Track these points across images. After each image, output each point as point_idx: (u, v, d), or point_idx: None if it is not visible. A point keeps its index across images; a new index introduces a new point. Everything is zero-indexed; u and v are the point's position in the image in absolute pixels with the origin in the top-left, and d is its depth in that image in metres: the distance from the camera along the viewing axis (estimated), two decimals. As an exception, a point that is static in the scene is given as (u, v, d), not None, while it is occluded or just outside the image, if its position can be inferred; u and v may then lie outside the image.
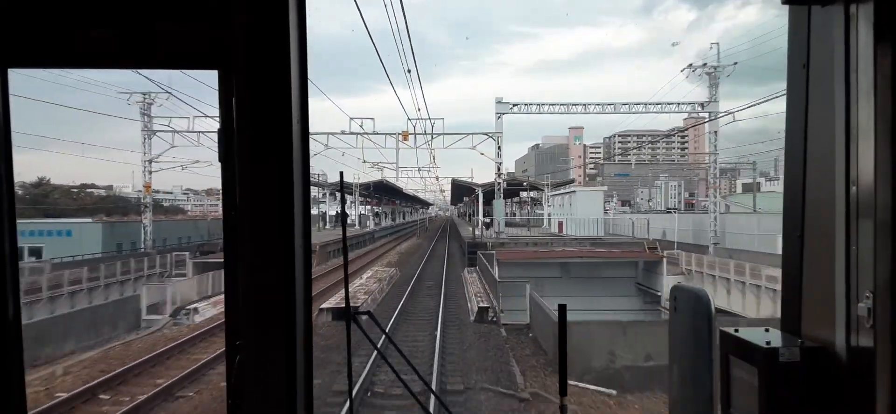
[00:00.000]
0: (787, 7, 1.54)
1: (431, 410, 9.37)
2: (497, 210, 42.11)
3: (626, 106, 37.62)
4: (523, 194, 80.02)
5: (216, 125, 1.29)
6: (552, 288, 24.16)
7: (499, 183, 40.74)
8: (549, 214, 57.28)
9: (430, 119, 37.19)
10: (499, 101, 37.94)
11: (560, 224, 43.05)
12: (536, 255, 29.61)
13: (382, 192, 70.06)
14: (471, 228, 46.39)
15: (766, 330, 1.53)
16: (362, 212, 74.75)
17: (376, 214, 78.23)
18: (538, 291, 20.12)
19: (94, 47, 1.26)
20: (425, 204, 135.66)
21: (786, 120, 1.59)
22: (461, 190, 73.79)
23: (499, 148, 39.05)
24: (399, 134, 38.57)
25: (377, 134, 38.65)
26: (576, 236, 38.18)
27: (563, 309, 1.94)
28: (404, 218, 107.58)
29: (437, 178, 76.73)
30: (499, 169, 40.26)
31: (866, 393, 1.32)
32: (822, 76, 1.45)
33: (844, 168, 1.37)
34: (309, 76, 1.34)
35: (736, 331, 1.53)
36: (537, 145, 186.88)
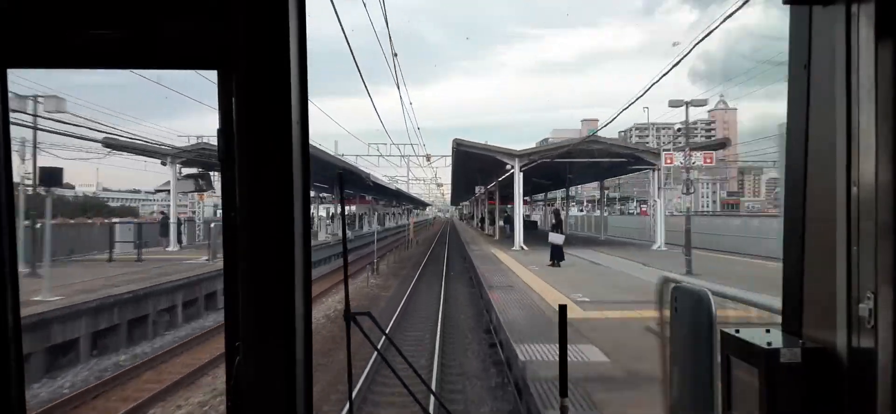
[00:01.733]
0: (788, 7, 1.54)
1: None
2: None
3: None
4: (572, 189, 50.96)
5: None
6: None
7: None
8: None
9: None
10: None
11: None
12: None
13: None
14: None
15: (768, 331, 1.53)
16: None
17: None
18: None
19: (94, 47, 1.26)
20: (418, 203, 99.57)
21: (787, 120, 1.59)
22: (471, 166, 37.49)
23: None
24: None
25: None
26: None
27: (563, 309, 1.97)
28: (384, 223, 67.26)
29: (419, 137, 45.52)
30: None
31: (868, 394, 1.32)
32: (823, 76, 1.45)
33: (845, 168, 1.37)
34: (308, 77, 1.34)
35: (737, 332, 1.52)
36: (546, 140, 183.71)
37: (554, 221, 23.93)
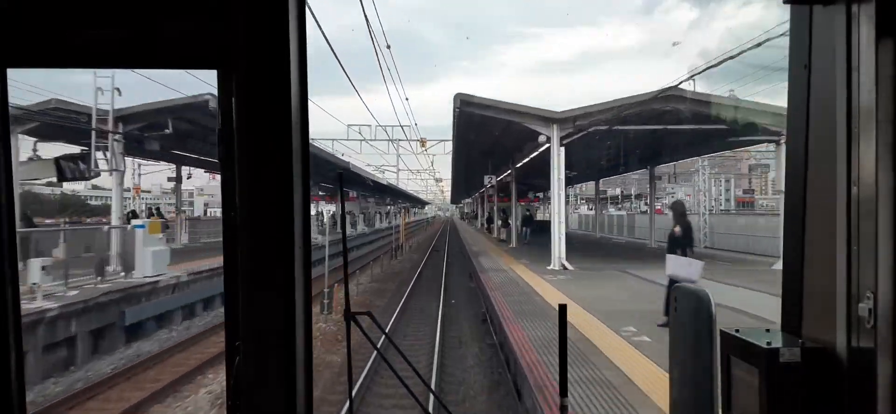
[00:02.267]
0: (788, 7, 1.54)
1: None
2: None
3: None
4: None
5: None
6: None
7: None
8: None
9: None
10: None
11: None
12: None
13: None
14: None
15: (767, 330, 1.53)
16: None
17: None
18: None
19: (94, 47, 1.27)
20: (416, 201, 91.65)
21: (787, 120, 1.60)
22: (480, 143, 28.90)
23: None
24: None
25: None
26: None
27: (563, 308, 1.98)
28: (372, 224, 58.31)
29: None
30: None
31: (867, 394, 1.32)
32: (823, 76, 1.45)
33: (845, 168, 1.37)
34: (309, 77, 1.35)
35: (736, 332, 1.53)
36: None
37: (678, 229, 10.98)
